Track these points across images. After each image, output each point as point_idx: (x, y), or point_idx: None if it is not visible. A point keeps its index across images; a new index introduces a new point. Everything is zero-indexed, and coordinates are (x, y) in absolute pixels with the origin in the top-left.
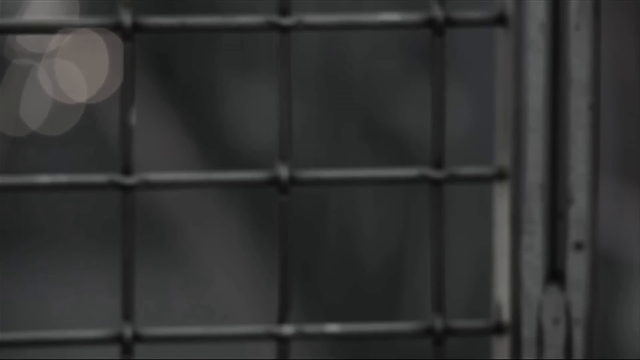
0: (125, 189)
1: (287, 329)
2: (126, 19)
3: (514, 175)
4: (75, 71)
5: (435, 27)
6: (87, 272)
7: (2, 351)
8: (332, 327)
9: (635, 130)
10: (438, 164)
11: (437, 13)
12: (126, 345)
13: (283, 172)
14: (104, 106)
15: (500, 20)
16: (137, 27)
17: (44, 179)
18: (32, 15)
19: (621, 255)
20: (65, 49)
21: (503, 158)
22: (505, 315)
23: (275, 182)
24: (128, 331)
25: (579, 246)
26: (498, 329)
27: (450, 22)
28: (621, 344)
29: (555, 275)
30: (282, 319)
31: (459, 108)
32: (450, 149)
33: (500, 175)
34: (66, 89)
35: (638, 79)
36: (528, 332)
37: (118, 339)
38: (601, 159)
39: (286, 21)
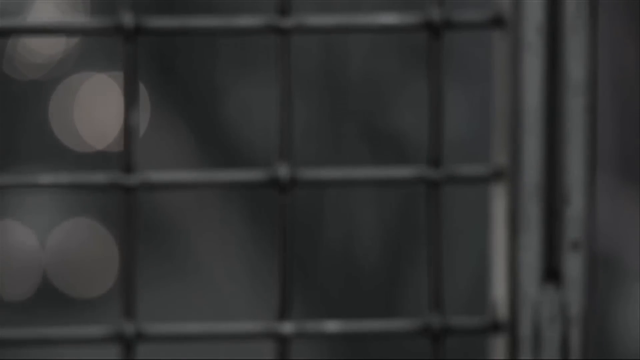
0: (127, 189)
1: (287, 327)
2: (128, 21)
3: (511, 175)
4: (92, 117)
5: (433, 29)
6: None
7: (2, 350)
8: (331, 326)
9: (635, 130)
10: (436, 164)
11: (435, 15)
12: (128, 343)
13: (283, 172)
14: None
15: (498, 22)
16: (138, 29)
17: (46, 178)
18: (31, 18)
19: (619, 254)
20: (80, 95)
21: (500, 158)
22: (502, 313)
23: (275, 182)
24: (130, 329)
25: (575, 245)
26: (495, 327)
27: (447, 24)
28: (619, 343)
29: (551, 274)
30: (282, 317)
31: (458, 109)
32: (449, 150)
33: (498, 175)
34: (84, 134)
35: (638, 80)
36: (525, 330)
37: (119, 337)
38: (600, 159)
39: (285, 23)
